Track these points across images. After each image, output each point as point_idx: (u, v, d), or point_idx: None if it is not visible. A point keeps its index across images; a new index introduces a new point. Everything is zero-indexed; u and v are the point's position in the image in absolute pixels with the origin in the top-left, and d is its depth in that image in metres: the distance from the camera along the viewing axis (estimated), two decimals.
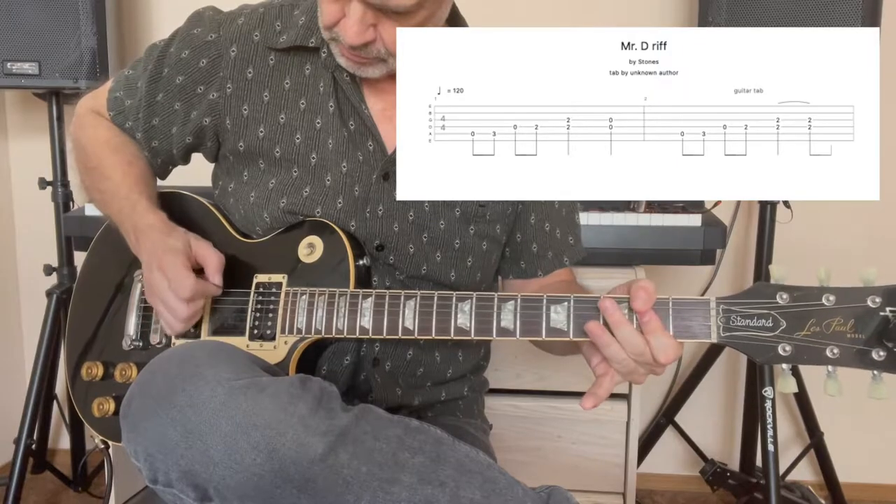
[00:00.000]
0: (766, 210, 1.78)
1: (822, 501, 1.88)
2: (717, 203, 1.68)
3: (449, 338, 0.89)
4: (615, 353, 0.83)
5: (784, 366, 0.81)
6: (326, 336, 0.94)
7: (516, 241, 1.13)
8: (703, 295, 2.03)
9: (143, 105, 1.08)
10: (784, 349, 0.80)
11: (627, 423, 1.60)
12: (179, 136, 1.08)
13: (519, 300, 0.87)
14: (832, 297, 0.79)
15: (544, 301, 0.86)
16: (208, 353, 0.82)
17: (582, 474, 1.62)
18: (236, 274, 1.01)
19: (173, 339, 1.02)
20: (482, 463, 0.84)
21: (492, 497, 0.80)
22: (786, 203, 1.77)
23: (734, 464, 2.01)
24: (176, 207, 1.09)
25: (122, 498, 1.65)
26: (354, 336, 0.93)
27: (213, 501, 0.77)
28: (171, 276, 0.93)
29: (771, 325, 0.80)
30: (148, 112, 1.08)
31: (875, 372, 0.78)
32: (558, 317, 0.86)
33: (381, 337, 0.92)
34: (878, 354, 0.78)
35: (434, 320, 0.89)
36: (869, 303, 0.78)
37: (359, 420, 0.80)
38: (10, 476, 1.83)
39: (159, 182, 1.16)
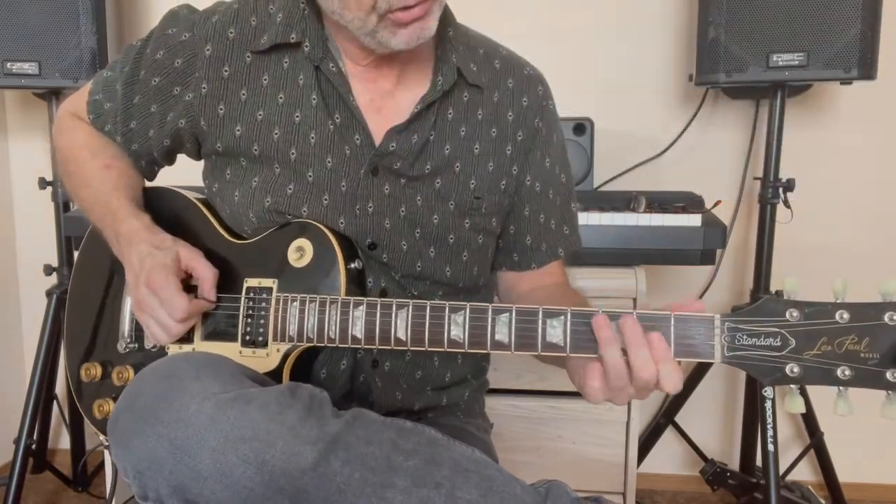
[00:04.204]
0: (766, 210, 1.78)
1: (822, 501, 1.88)
2: (717, 203, 1.68)
3: (443, 349, 0.87)
4: (613, 357, 0.79)
5: (792, 386, 0.78)
6: (319, 344, 0.93)
7: (510, 232, 1.11)
8: (702, 295, 2.05)
9: (120, 108, 1.07)
10: (792, 370, 0.76)
11: (627, 423, 1.60)
12: (157, 138, 1.06)
13: (514, 312, 0.84)
14: (846, 315, 0.74)
15: (540, 314, 0.83)
16: (195, 366, 0.81)
17: (582, 474, 1.61)
18: (225, 276, 0.99)
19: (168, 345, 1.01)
20: (479, 462, 0.84)
21: (489, 496, 0.80)
22: (786, 203, 1.77)
23: (734, 464, 2.00)
24: (162, 205, 1.08)
25: (122, 497, 1.66)
26: (347, 345, 0.91)
27: None
28: (164, 297, 0.92)
29: (779, 343, 0.76)
30: (125, 115, 1.07)
31: (889, 392, 0.75)
32: (555, 331, 0.83)
33: (374, 346, 0.90)
34: (892, 375, 0.74)
35: (427, 332, 0.87)
36: (886, 320, 0.73)
37: (350, 425, 0.79)
38: (10, 476, 1.83)
39: (155, 181, 1.15)
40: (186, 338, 0.99)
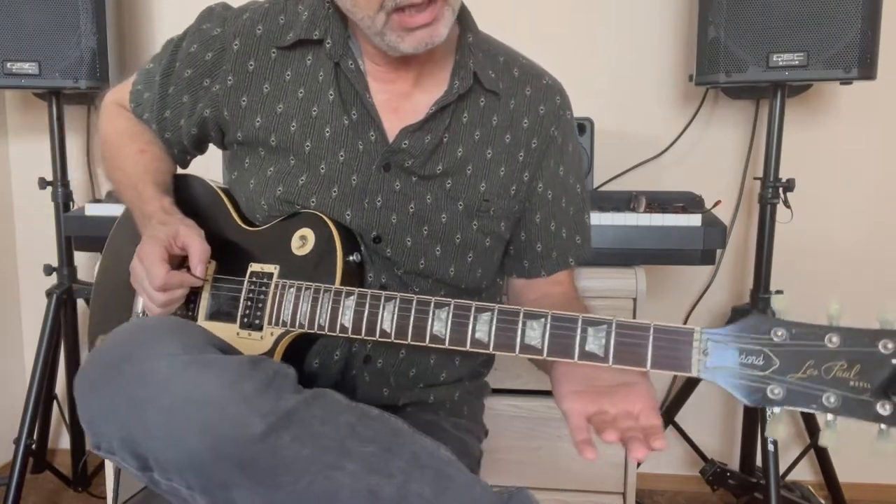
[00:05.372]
0: (766, 210, 1.78)
1: (822, 501, 1.88)
2: (717, 203, 1.68)
3: (424, 344, 0.87)
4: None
5: (775, 409, 0.73)
6: (309, 331, 0.95)
7: (520, 239, 1.12)
8: (702, 295, 2.05)
9: (157, 98, 1.12)
10: (773, 391, 0.71)
11: None
12: (186, 127, 1.11)
13: (496, 312, 0.84)
14: (836, 339, 0.70)
15: (521, 315, 0.83)
16: (163, 328, 0.83)
17: (582, 474, 1.61)
18: (234, 261, 1.03)
19: None
20: (440, 459, 0.83)
21: (445, 494, 0.79)
22: (786, 203, 1.77)
23: (734, 464, 2.00)
24: (187, 192, 1.13)
25: (122, 497, 1.66)
26: (335, 333, 0.93)
27: (154, 471, 0.78)
28: (146, 266, 0.96)
29: (762, 363, 0.72)
30: (161, 104, 1.12)
31: (882, 426, 0.69)
32: (533, 333, 0.82)
33: (360, 337, 0.91)
34: (884, 407, 0.68)
35: (411, 325, 0.88)
36: (880, 348, 0.68)
37: (309, 404, 0.80)
38: (10, 476, 1.83)
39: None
40: (191, 316, 1.03)
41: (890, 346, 0.68)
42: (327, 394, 0.83)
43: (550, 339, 0.81)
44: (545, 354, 0.81)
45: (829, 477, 1.94)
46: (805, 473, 2.03)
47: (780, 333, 0.72)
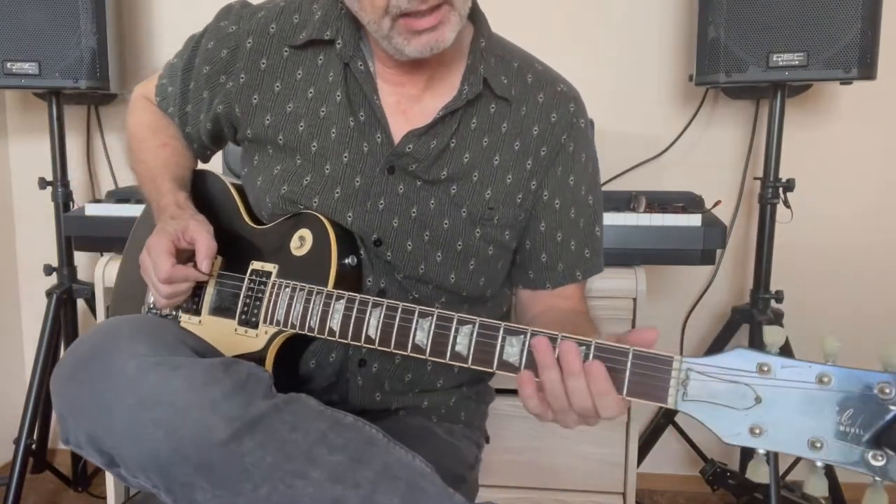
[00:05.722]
0: (766, 210, 1.78)
1: (822, 501, 1.88)
2: (717, 203, 1.68)
3: (406, 353, 0.86)
4: (553, 383, 0.76)
5: (759, 450, 0.68)
6: (300, 332, 0.95)
7: (525, 248, 1.09)
8: (702, 295, 2.04)
9: (179, 93, 1.14)
10: (754, 431, 0.66)
11: (627, 423, 1.60)
12: (204, 122, 1.12)
13: (477, 325, 0.82)
14: (828, 379, 0.64)
15: (501, 331, 0.80)
16: (135, 327, 0.84)
17: (582, 474, 1.61)
18: (239, 257, 1.04)
19: (180, 313, 1.06)
20: (414, 470, 0.82)
21: None
22: (786, 203, 1.77)
23: (734, 464, 2.00)
24: (202, 187, 1.15)
25: (122, 497, 1.66)
26: (324, 336, 0.93)
27: (121, 468, 0.79)
28: (153, 259, 0.97)
29: (745, 398, 0.67)
30: (182, 100, 1.13)
31: (876, 479, 0.63)
32: (512, 349, 0.79)
33: (346, 341, 0.91)
34: (876, 458, 0.62)
35: (394, 333, 0.87)
36: (877, 392, 0.62)
37: (279, 410, 0.79)
38: (10, 476, 1.83)
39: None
40: (195, 310, 1.04)
41: (888, 391, 0.62)
42: (300, 399, 0.83)
43: (528, 356, 0.79)
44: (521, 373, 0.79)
45: (830, 477, 1.94)
46: (805, 473, 2.03)
47: (766, 368, 0.67)
